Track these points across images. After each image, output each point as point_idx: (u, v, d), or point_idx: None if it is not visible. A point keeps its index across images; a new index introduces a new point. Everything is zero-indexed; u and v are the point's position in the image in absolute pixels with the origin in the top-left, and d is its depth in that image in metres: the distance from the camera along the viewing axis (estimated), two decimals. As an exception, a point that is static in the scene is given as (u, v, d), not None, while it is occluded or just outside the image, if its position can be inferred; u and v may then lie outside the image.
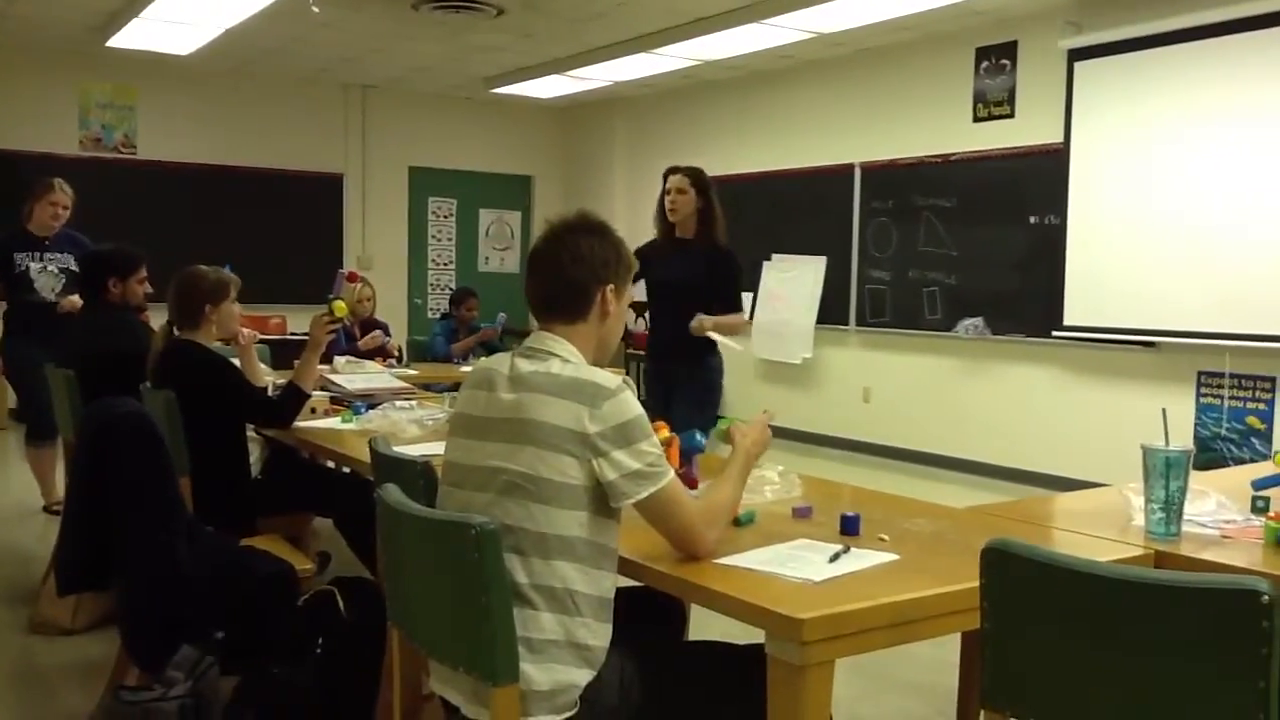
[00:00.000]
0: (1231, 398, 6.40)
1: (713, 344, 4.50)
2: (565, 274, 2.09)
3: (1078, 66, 6.92)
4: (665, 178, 4.68)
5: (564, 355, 2.04)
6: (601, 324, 2.12)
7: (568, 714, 1.90)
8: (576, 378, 1.96)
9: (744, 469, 2.20)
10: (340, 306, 3.83)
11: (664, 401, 4.62)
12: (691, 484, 2.43)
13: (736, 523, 2.28)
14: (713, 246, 4.64)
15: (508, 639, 1.84)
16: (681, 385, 4.66)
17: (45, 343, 5.11)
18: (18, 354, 5.50)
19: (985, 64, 7.65)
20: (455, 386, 5.44)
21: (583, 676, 1.91)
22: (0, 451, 7.83)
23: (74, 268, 5.48)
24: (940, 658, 2.60)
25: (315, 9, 6.94)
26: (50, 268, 5.51)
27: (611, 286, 2.11)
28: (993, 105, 7.61)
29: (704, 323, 4.38)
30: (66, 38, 8.54)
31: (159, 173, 9.50)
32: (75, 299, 5.21)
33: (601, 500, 1.93)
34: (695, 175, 4.64)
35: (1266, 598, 1.37)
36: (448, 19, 7.44)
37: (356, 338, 6.46)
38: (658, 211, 4.71)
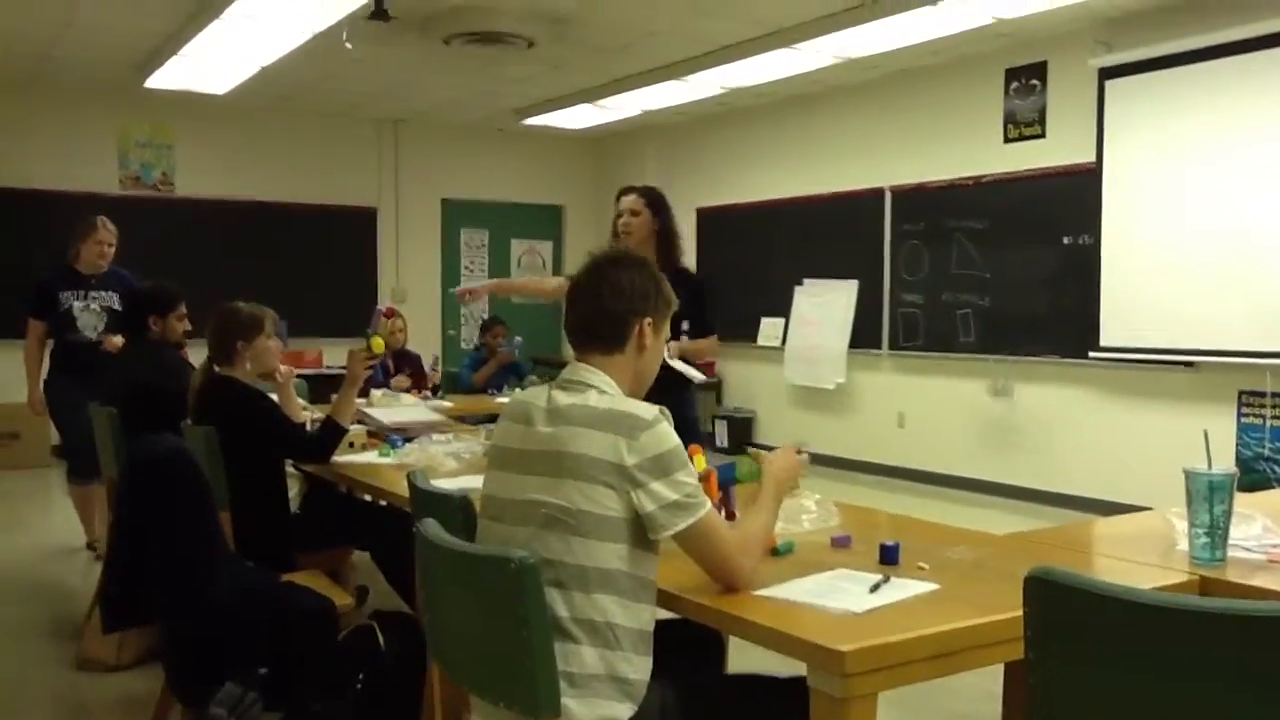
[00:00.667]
0: (1274, 417, 6.31)
1: (686, 376, 4.37)
2: (604, 305, 2.11)
3: (1109, 85, 6.89)
4: (617, 199, 4.36)
5: (600, 386, 2.05)
6: (638, 356, 2.14)
7: (610, 748, 1.89)
8: (613, 409, 1.97)
9: (774, 497, 2.18)
10: (378, 343, 3.86)
11: None
12: (730, 516, 2.43)
13: (775, 553, 2.28)
14: (674, 270, 4.17)
15: (549, 673, 1.84)
16: None
17: (87, 381, 5.17)
18: (60, 392, 5.57)
19: (1015, 85, 7.64)
20: (491, 418, 5.46)
21: (624, 710, 1.91)
22: (43, 488, 7.93)
23: (118, 306, 5.55)
24: (982, 687, 2.56)
25: (349, 45, 7.03)
26: (93, 306, 5.59)
27: (649, 320, 2.13)
28: (1023, 126, 7.59)
29: (669, 348, 4.04)
30: (105, 79, 8.70)
31: (197, 209, 9.64)
32: (116, 338, 5.29)
33: (640, 532, 1.93)
34: (650, 195, 4.33)
35: (1317, 626, 1.35)
36: (478, 53, 7.51)
37: (391, 371, 6.51)
38: (611, 234, 4.35)
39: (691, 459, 2.20)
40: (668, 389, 4.15)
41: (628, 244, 4.22)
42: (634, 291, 2.12)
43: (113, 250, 5.71)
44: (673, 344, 4.12)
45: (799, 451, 2.33)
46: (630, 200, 4.30)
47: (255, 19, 6.73)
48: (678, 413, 4.32)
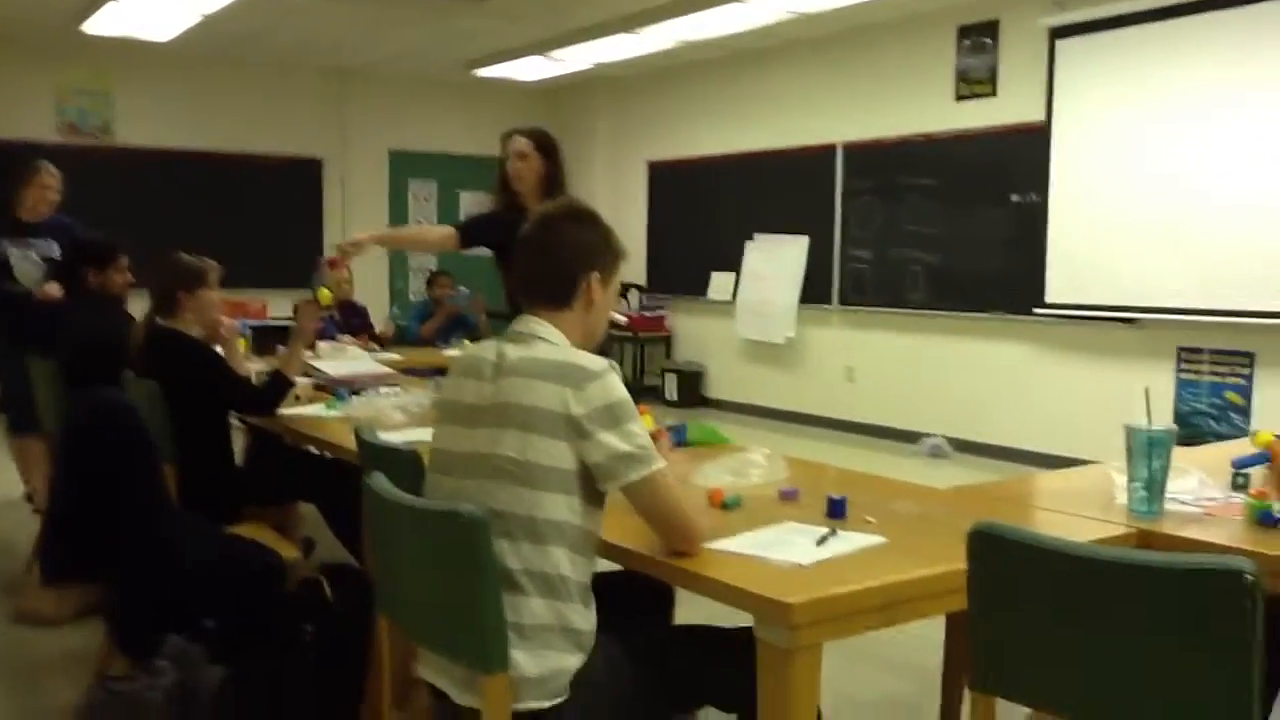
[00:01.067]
0: (1211, 373, 6.45)
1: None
2: (551, 260, 2.09)
3: (1059, 44, 6.93)
4: (505, 141, 4.14)
5: (549, 338, 2.04)
6: (587, 312, 2.11)
7: (559, 699, 1.90)
8: (560, 360, 1.96)
9: None
10: (325, 295, 3.81)
11: None
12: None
13: (724, 506, 2.30)
14: None
15: (498, 627, 1.84)
16: None
17: (25, 333, 5.05)
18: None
19: (967, 42, 7.65)
20: (438, 371, 5.43)
21: (573, 661, 1.92)
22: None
23: (58, 256, 5.41)
24: (924, 635, 2.61)
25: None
26: (32, 254, 5.41)
27: (597, 275, 2.10)
28: (974, 84, 7.61)
29: None
30: (42, 24, 8.43)
31: (137, 159, 9.42)
32: (51, 288, 5.16)
33: (590, 485, 1.93)
34: (539, 137, 4.11)
35: (1249, 578, 1.39)
36: (428, 3, 7.38)
37: (338, 322, 6.45)
38: (498, 180, 4.18)
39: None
40: None
41: (519, 190, 4.07)
42: (582, 246, 2.10)
43: (58, 197, 5.54)
44: None
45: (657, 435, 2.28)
46: (519, 143, 4.07)
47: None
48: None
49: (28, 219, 5.43)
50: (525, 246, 2.13)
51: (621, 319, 4.14)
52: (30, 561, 4.09)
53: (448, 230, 4.39)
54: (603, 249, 2.13)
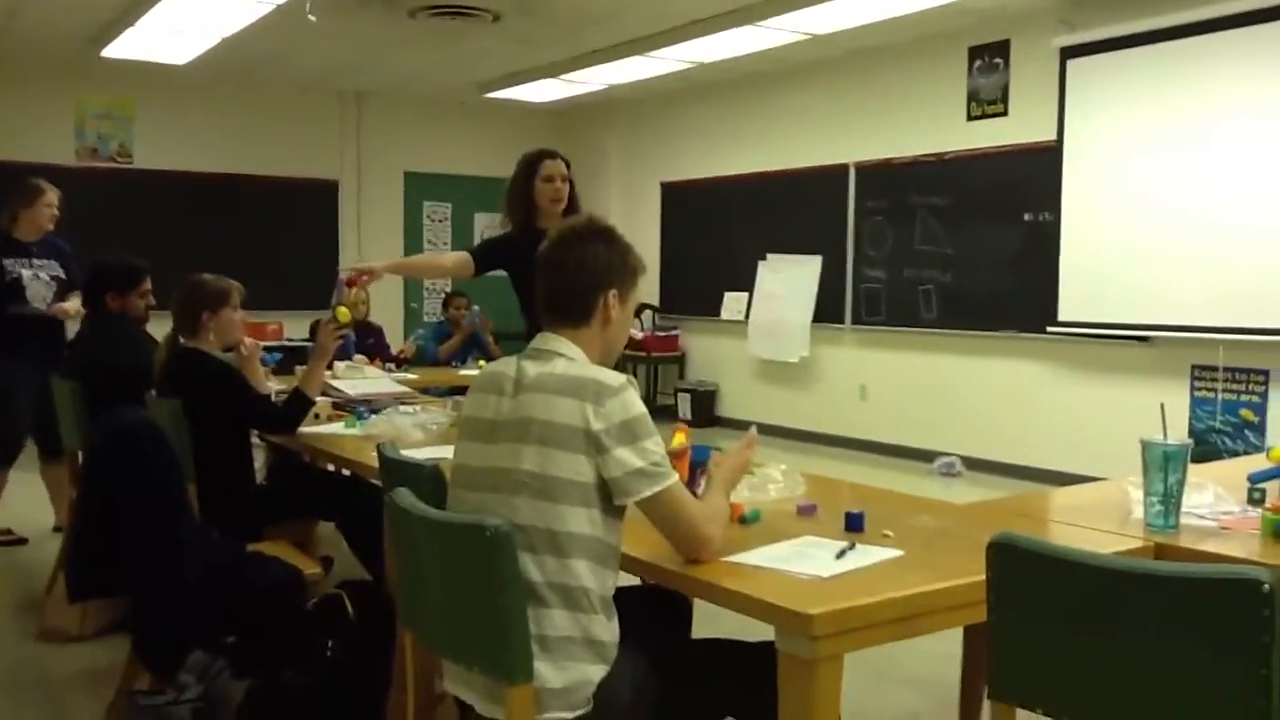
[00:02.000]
0: (1225, 391, 6.44)
1: None
2: (569, 278, 2.11)
3: (1070, 64, 6.97)
4: (539, 163, 4.14)
5: (568, 355, 2.07)
6: (605, 329, 2.13)
7: (582, 711, 1.93)
8: (580, 376, 1.99)
9: (724, 491, 2.16)
10: (344, 313, 3.85)
11: None
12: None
13: (743, 521, 2.32)
14: None
15: (522, 638, 1.87)
16: None
17: (36, 356, 5.02)
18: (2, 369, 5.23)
19: (978, 63, 7.69)
20: (454, 390, 5.47)
21: (597, 673, 1.94)
22: None
23: (61, 275, 5.39)
24: (941, 651, 2.63)
25: (312, 18, 6.96)
26: (41, 275, 5.37)
27: (615, 292, 2.13)
28: (986, 104, 7.65)
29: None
30: (62, 49, 8.54)
31: (156, 182, 9.52)
32: (67, 305, 5.16)
33: (609, 497, 1.96)
34: (565, 160, 4.21)
35: (1267, 587, 1.40)
36: (443, 26, 7.46)
37: (354, 341, 6.50)
38: (523, 201, 4.15)
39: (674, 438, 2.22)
40: None
41: (556, 211, 4.10)
42: (599, 264, 2.12)
43: (58, 214, 5.50)
44: None
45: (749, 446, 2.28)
46: (560, 166, 4.15)
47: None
48: None
49: (25, 239, 5.38)
50: (543, 264, 2.15)
51: (638, 334, 4.13)
52: (52, 579, 4.12)
53: (462, 256, 4.36)
54: (620, 266, 2.15)
